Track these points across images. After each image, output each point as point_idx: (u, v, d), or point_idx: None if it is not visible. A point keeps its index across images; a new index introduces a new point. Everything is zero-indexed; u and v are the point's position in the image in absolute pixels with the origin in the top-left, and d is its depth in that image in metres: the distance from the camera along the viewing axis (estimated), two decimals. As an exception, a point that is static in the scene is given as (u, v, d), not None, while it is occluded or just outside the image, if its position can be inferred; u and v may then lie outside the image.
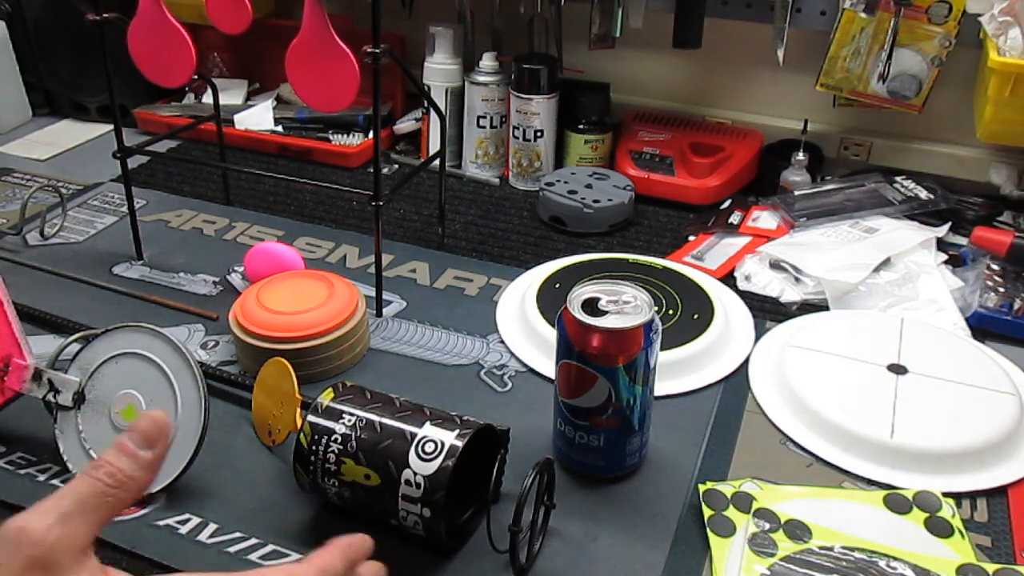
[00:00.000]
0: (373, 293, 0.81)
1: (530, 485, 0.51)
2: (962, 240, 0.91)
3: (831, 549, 0.55)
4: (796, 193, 0.98)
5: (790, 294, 0.84)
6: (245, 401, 0.69)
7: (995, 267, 0.83)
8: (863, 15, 0.93)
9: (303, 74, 0.73)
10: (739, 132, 1.07)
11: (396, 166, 1.14)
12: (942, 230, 0.90)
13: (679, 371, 0.72)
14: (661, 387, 0.69)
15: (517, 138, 1.06)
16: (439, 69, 1.07)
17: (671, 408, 0.69)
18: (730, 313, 0.80)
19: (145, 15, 0.77)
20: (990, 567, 0.54)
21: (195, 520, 0.58)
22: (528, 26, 1.09)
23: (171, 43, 0.77)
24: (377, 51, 0.70)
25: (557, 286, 0.82)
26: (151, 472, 0.43)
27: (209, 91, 1.16)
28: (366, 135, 1.15)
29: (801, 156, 0.99)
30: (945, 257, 0.87)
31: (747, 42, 1.06)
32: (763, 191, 1.03)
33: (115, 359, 0.61)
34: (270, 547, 0.56)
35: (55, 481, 0.61)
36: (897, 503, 0.59)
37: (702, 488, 0.60)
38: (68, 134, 1.22)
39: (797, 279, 0.85)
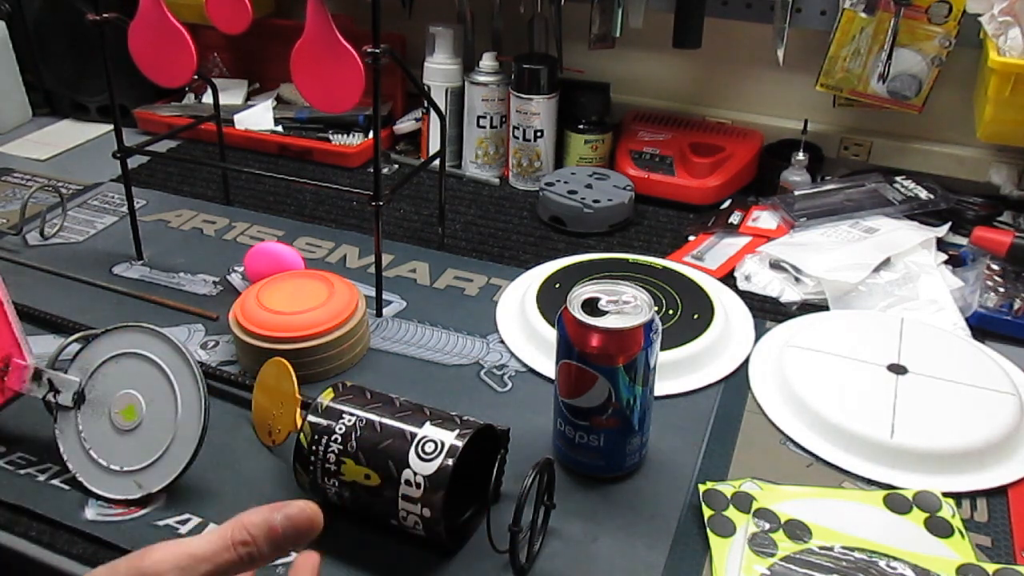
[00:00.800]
0: (373, 293, 0.81)
1: (530, 485, 0.51)
2: (962, 240, 0.91)
3: (831, 549, 0.55)
4: (796, 193, 0.98)
5: (790, 294, 0.84)
6: (245, 401, 0.69)
7: (995, 267, 0.83)
8: (863, 15, 0.93)
9: (308, 75, 0.73)
10: (739, 132, 1.07)
11: (396, 166, 1.14)
12: (942, 230, 0.90)
13: (679, 371, 0.72)
14: (661, 387, 0.69)
15: (517, 138, 1.06)
16: (439, 69, 1.07)
17: (671, 408, 0.69)
18: (730, 313, 0.80)
19: (146, 15, 0.77)
20: (990, 567, 0.54)
21: (195, 520, 0.58)
22: (528, 26, 1.09)
23: (172, 43, 0.77)
24: (377, 51, 0.70)
25: (557, 286, 0.82)
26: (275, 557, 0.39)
27: (209, 91, 1.16)
28: (366, 135, 1.15)
29: (801, 156, 0.99)
30: (945, 257, 0.87)
31: (747, 42, 1.06)
32: (763, 191, 1.03)
33: (115, 359, 0.61)
34: (270, 547, 0.56)
35: (55, 481, 0.61)
36: (897, 503, 0.59)
37: (702, 488, 0.60)
38: (68, 134, 1.22)
39: (797, 279, 0.85)
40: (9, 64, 1.22)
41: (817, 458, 0.64)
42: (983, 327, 0.78)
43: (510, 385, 0.72)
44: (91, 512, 0.59)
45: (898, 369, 0.70)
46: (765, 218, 0.96)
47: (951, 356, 0.72)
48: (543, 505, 0.56)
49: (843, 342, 0.73)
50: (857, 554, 0.55)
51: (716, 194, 1.01)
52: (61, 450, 0.60)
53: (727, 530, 0.57)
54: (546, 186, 0.98)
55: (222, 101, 0.97)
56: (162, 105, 1.22)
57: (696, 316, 0.77)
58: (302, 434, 0.56)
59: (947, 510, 0.58)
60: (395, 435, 0.54)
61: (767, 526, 0.57)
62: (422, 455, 0.53)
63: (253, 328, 0.70)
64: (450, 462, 0.52)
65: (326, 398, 0.57)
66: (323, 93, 0.73)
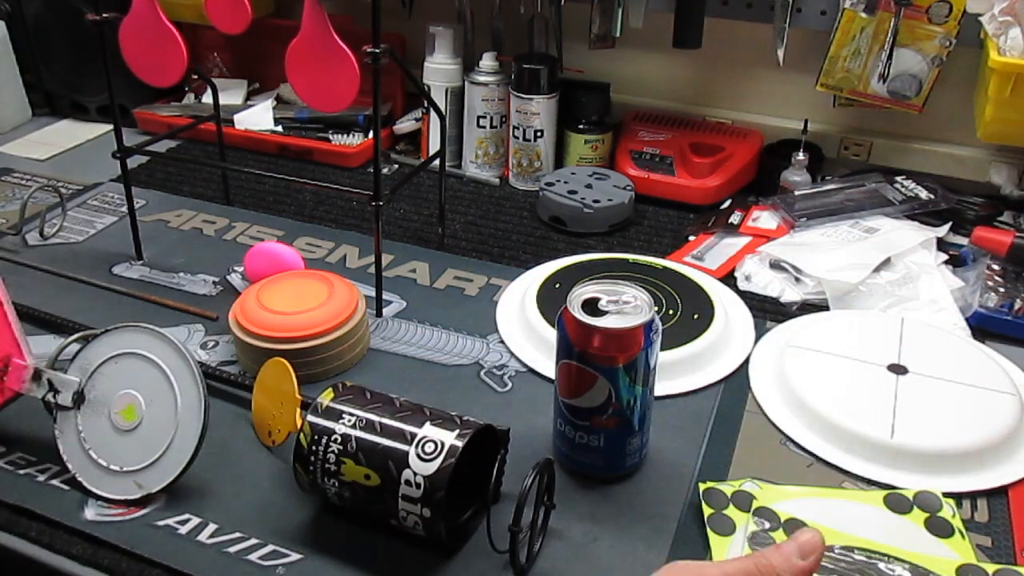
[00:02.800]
0: (373, 293, 0.81)
1: (530, 485, 0.51)
2: (962, 240, 0.91)
3: (831, 549, 0.55)
4: (796, 193, 0.98)
5: (790, 294, 0.84)
6: (245, 401, 0.69)
7: (995, 267, 0.83)
8: (863, 15, 0.93)
9: (303, 74, 0.73)
10: (739, 132, 1.07)
11: (396, 166, 1.14)
12: (942, 230, 0.90)
13: (679, 371, 0.72)
14: (661, 387, 0.69)
15: (517, 138, 1.06)
16: (439, 69, 1.07)
17: (671, 408, 0.69)
18: (730, 313, 0.79)
19: (138, 14, 0.77)
20: (990, 567, 0.54)
21: (195, 520, 0.58)
22: (528, 26, 1.09)
23: (162, 42, 0.77)
24: (377, 51, 0.69)
25: (557, 286, 0.82)
26: None
27: (209, 91, 1.16)
28: (366, 135, 1.15)
29: (801, 156, 0.99)
30: (945, 257, 0.87)
31: (747, 42, 1.06)
32: (763, 191, 1.02)
33: (115, 359, 0.61)
34: (270, 547, 0.56)
35: (55, 481, 0.61)
36: (897, 503, 0.59)
37: (702, 487, 0.60)
38: (68, 134, 1.22)
39: (797, 279, 0.85)
40: (9, 64, 1.22)
41: (817, 458, 0.64)
42: (983, 327, 0.78)
43: (510, 385, 0.72)
44: (91, 512, 0.59)
45: (898, 369, 0.70)
46: (765, 218, 0.95)
47: (951, 356, 0.72)
48: (543, 505, 0.56)
49: (843, 342, 0.73)
50: (857, 555, 0.55)
51: (716, 194, 1.01)
52: (61, 450, 0.60)
53: (727, 529, 0.57)
54: (546, 186, 0.98)
55: (222, 101, 0.97)
56: (162, 105, 1.22)
57: (696, 316, 0.77)
58: (302, 434, 0.56)
59: (947, 510, 0.58)
60: (395, 435, 0.54)
61: (767, 525, 0.57)
62: (422, 455, 0.53)
63: (253, 328, 0.70)
64: (450, 462, 0.52)
65: (326, 398, 0.57)
66: (318, 92, 0.73)
